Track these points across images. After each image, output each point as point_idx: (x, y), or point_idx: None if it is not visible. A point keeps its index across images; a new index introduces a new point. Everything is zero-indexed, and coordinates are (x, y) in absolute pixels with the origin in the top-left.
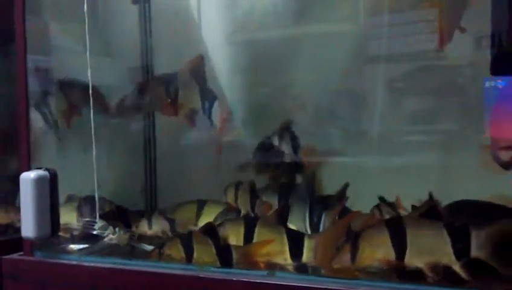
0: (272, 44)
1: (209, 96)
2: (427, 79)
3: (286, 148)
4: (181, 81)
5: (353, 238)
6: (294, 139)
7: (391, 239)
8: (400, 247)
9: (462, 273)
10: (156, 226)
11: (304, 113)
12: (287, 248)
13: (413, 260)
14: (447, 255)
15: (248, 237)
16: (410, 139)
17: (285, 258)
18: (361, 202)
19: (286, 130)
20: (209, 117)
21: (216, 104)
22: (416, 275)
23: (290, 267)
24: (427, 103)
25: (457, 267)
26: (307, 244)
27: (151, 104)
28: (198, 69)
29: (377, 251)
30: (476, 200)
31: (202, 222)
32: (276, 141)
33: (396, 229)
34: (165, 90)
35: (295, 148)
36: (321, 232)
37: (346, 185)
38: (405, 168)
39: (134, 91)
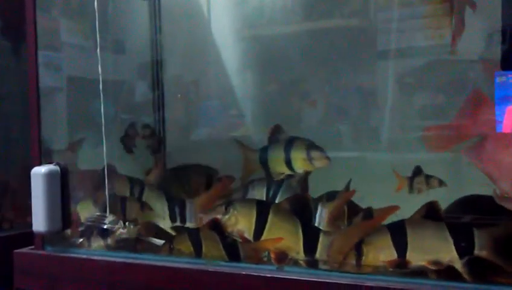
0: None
1: None
2: (438, 74)
3: None
4: None
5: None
6: None
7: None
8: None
9: None
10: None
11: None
12: (301, 242)
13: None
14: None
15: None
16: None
17: (297, 251)
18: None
19: None
20: None
21: None
22: None
23: (302, 262)
24: (439, 98)
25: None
26: (322, 240)
27: None
28: None
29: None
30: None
31: None
32: None
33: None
34: None
35: None
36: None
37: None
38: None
39: None
